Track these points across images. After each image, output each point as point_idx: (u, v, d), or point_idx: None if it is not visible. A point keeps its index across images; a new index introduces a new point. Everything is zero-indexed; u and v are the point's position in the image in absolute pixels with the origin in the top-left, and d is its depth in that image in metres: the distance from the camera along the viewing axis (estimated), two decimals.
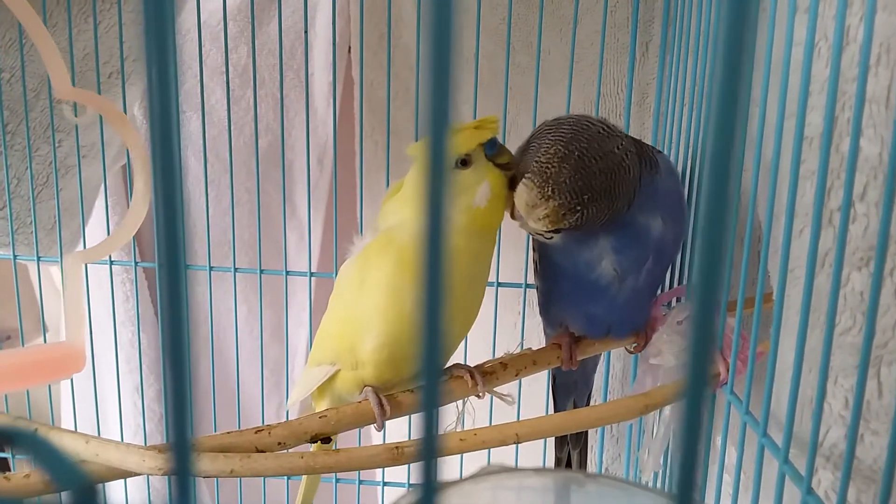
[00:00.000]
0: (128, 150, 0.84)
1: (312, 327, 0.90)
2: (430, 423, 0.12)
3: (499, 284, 0.72)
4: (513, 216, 0.52)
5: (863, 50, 0.36)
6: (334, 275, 0.70)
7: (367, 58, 0.85)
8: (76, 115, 0.69)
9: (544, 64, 0.72)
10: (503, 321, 0.76)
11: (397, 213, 0.53)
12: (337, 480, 0.76)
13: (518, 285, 0.73)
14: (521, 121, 0.76)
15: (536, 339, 0.66)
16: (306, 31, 0.76)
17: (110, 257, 0.81)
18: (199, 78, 0.76)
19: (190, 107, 0.96)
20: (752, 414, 0.45)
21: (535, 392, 0.72)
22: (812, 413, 0.39)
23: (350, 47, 0.95)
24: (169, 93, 0.13)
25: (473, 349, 0.69)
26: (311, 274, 0.79)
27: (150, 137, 0.13)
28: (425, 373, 0.12)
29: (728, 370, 0.50)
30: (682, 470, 0.10)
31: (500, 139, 0.52)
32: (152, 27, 0.12)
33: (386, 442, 0.48)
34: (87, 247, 0.82)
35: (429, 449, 0.12)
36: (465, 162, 0.50)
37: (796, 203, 0.42)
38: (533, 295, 0.70)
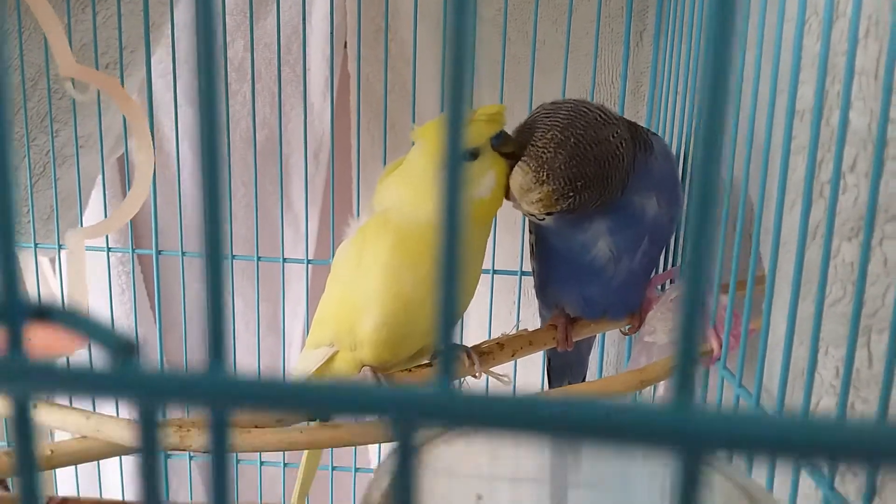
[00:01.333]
0: (126, 139, 0.85)
1: (308, 319, 0.90)
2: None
3: (494, 272, 0.72)
4: (507, 197, 0.53)
5: (851, 23, 0.37)
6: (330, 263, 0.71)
7: (364, 52, 0.85)
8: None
9: (540, 53, 0.73)
10: (498, 308, 0.77)
11: (394, 193, 0.53)
12: (333, 468, 0.76)
13: (514, 272, 0.73)
14: (517, 110, 0.77)
15: (532, 326, 0.67)
16: (304, 26, 0.77)
17: (107, 245, 0.81)
18: (195, 72, 0.77)
19: (187, 100, 0.97)
20: (746, 388, 0.46)
21: (530, 374, 0.73)
22: (804, 382, 0.40)
23: (346, 43, 0.96)
24: (215, 90, 0.13)
25: (470, 335, 0.70)
26: (309, 261, 0.79)
27: (199, 133, 0.13)
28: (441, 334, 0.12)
29: (721, 346, 0.50)
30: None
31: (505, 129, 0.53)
32: (201, 21, 0.12)
33: None
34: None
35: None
36: (473, 154, 0.51)
37: (788, 178, 0.43)
38: (528, 282, 0.71)
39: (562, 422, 0.10)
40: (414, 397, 0.11)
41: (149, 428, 0.11)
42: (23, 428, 0.12)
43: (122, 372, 0.11)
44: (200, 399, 0.11)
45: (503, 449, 0.27)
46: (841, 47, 0.39)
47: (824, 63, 0.39)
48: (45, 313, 0.12)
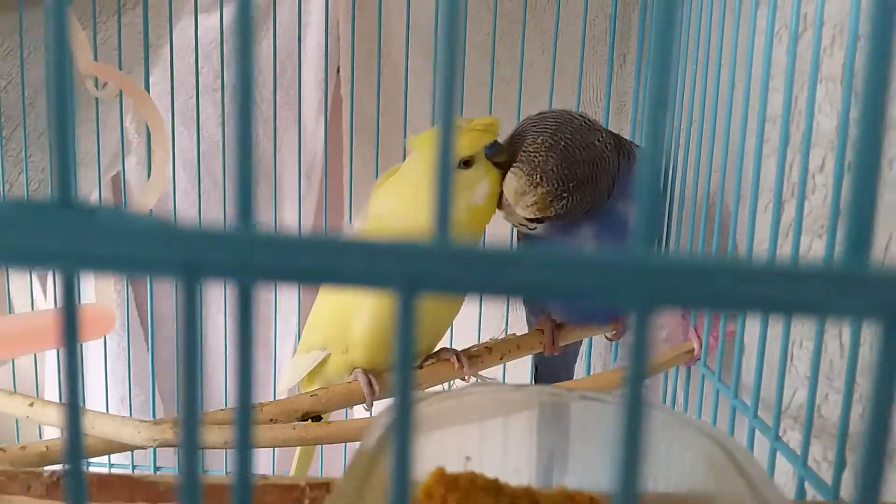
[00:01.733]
0: (123, 159, 0.87)
1: (299, 334, 0.91)
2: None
3: None
4: (499, 206, 0.55)
5: (815, 34, 0.39)
6: None
7: (357, 75, 0.88)
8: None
9: (527, 75, 0.76)
10: (487, 318, 0.78)
11: (389, 200, 0.55)
12: None
13: None
14: (505, 129, 0.79)
15: (520, 333, 0.68)
16: (299, 51, 0.80)
17: None
18: (191, 94, 0.80)
19: (182, 121, 0.99)
20: (724, 382, 0.48)
21: (518, 378, 0.74)
22: (777, 372, 0.42)
23: (339, 68, 0.98)
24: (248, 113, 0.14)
25: (459, 340, 0.71)
26: None
27: (235, 151, 0.14)
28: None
29: (701, 346, 0.52)
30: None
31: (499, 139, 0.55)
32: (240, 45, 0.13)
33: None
34: None
35: None
36: (467, 163, 0.53)
37: (761, 181, 0.45)
38: None
39: (539, 270, 0.11)
40: (415, 250, 0.12)
41: (191, 283, 0.13)
42: (69, 302, 0.13)
43: (164, 226, 0.12)
44: (236, 251, 0.13)
45: (492, 411, 0.29)
46: (809, 56, 0.42)
47: (792, 72, 0.41)
48: None
